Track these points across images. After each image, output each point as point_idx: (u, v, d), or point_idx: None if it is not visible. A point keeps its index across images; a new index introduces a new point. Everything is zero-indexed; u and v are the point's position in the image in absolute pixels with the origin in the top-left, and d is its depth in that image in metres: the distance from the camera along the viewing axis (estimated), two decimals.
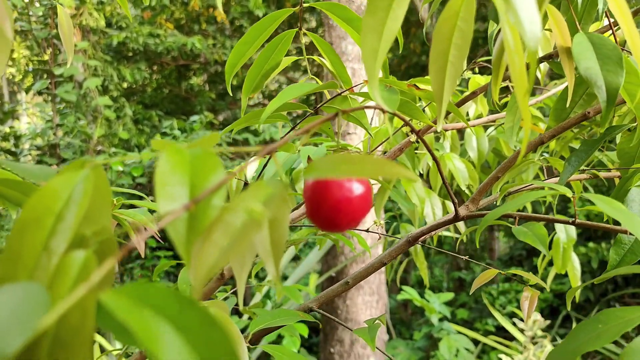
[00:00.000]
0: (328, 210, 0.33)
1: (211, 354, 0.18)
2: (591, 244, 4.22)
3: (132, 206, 0.78)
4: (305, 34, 0.60)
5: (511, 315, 4.32)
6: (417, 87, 0.60)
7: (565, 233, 1.13)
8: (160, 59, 5.52)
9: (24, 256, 0.24)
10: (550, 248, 1.49)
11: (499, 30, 0.73)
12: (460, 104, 0.89)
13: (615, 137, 0.93)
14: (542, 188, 0.62)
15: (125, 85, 5.50)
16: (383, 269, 3.01)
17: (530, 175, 1.25)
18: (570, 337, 0.44)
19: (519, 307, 4.43)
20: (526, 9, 0.31)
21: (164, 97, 5.95)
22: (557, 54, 0.71)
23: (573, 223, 0.54)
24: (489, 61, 1.14)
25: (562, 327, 4.25)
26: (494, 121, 1.17)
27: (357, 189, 0.33)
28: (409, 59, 5.82)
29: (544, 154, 1.22)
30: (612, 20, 0.66)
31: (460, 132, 1.31)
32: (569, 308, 0.57)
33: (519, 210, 1.09)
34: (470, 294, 0.72)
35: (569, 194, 0.51)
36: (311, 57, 0.63)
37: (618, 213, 0.45)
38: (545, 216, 0.55)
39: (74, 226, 0.25)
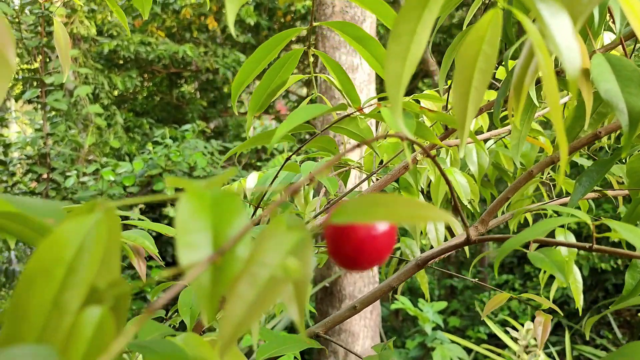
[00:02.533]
0: (351, 250, 0.31)
1: None
2: (582, 252, 4.23)
3: (125, 217, 0.75)
4: (314, 55, 0.58)
5: (502, 324, 4.32)
6: (421, 105, 0.59)
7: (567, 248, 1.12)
8: (152, 66, 5.49)
9: (32, 313, 0.22)
10: None
11: (514, 52, 0.71)
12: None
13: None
14: (558, 212, 0.61)
15: (116, 93, 5.46)
16: (377, 278, 2.99)
17: (530, 189, 1.24)
18: None
19: (510, 315, 4.42)
20: (564, 36, 0.29)
21: (155, 105, 5.91)
22: (562, 71, 0.70)
23: (590, 249, 0.52)
24: (493, 76, 1.13)
25: (554, 335, 4.25)
26: (495, 136, 1.16)
27: (382, 226, 0.31)
28: None
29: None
30: (621, 33, 0.65)
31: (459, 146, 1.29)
32: (587, 337, 0.55)
33: None
34: (482, 318, 0.70)
35: (588, 221, 0.49)
36: (320, 75, 0.61)
37: (638, 239, 0.44)
38: (561, 241, 0.53)
39: (87, 278, 0.22)
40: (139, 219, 0.65)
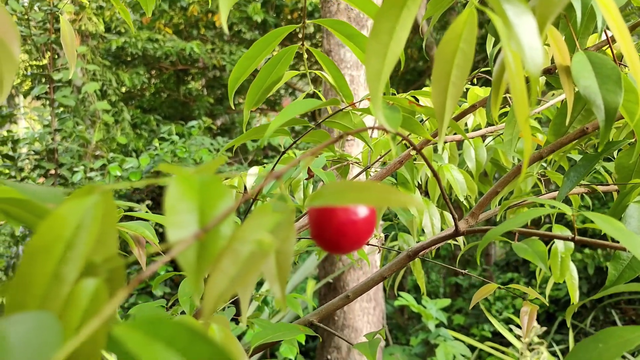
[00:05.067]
0: (332, 233, 0.33)
1: None
2: (587, 251, 4.23)
3: (131, 211, 0.78)
4: (307, 50, 0.60)
5: (507, 322, 4.33)
6: (417, 101, 0.61)
7: (563, 243, 1.13)
8: (159, 63, 5.53)
9: (34, 284, 0.24)
10: (548, 257, 1.49)
11: (499, 50, 0.73)
12: (459, 117, 0.90)
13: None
14: (542, 205, 0.63)
15: (123, 89, 5.50)
16: None
17: (529, 185, 1.25)
18: (570, 357, 0.45)
19: (515, 313, 4.43)
20: (528, 36, 0.31)
21: (163, 102, 5.95)
22: (554, 68, 0.71)
23: (573, 240, 0.54)
24: (487, 72, 1.15)
25: (559, 334, 4.25)
26: (492, 132, 1.18)
27: (362, 211, 0.33)
28: (406, 64, 5.83)
29: (543, 164, 1.23)
30: (610, 34, 0.67)
31: (459, 142, 1.31)
32: (569, 324, 0.57)
33: None
34: (470, 308, 0.72)
35: (569, 212, 0.51)
36: (313, 71, 0.64)
37: (617, 232, 0.46)
38: (545, 232, 0.55)
39: (84, 254, 0.25)
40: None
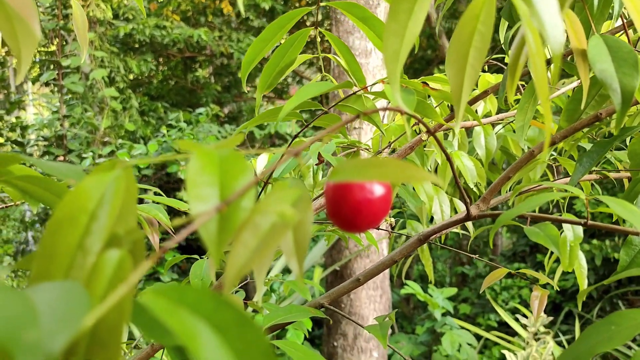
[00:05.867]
0: (349, 211, 0.33)
1: (247, 353, 0.19)
2: (595, 241, 4.22)
3: (141, 200, 0.79)
4: (321, 33, 0.60)
5: (513, 311, 4.33)
6: (428, 86, 0.61)
7: (573, 231, 1.13)
8: (167, 50, 5.52)
9: (59, 255, 0.25)
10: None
11: (514, 35, 0.73)
12: (471, 102, 0.90)
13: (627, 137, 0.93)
14: (553, 189, 0.63)
15: (131, 76, 5.51)
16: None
17: (538, 173, 1.25)
18: (582, 339, 0.45)
19: (521, 303, 4.44)
20: (549, 14, 0.31)
21: (170, 89, 5.96)
22: (567, 54, 0.71)
23: (585, 224, 0.54)
24: (498, 59, 1.14)
25: (565, 324, 4.26)
26: (502, 119, 1.17)
27: (378, 190, 0.34)
28: (415, 53, 5.80)
29: (553, 152, 1.23)
30: (625, 20, 0.66)
31: (468, 130, 1.31)
32: (579, 309, 0.57)
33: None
34: (480, 292, 0.73)
35: (582, 195, 0.51)
36: (326, 54, 0.64)
37: (630, 214, 0.46)
38: (557, 217, 0.55)
39: (108, 225, 0.25)
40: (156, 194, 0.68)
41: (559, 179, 0.84)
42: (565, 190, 0.51)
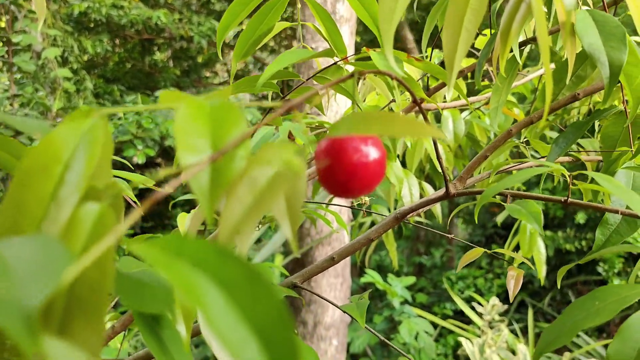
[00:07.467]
0: (343, 174, 0.31)
1: (259, 313, 0.16)
2: (548, 232, 4.34)
3: None
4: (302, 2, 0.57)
5: (468, 300, 4.42)
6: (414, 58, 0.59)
7: None
8: (124, 31, 5.35)
9: (30, 206, 0.22)
10: (516, 234, 1.52)
11: (500, 6, 0.72)
12: (442, 85, 0.89)
13: (594, 124, 0.94)
14: (535, 166, 0.62)
15: (86, 57, 5.32)
16: None
17: (502, 158, 1.26)
18: (565, 315, 0.44)
19: (476, 292, 4.53)
20: None
21: (127, 72, 5.78)
22: (557, 30, 0.71)
23: (565, 202, 0.54)
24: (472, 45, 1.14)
25: (517, 313, 4.37)
26: (469, 104, 1.17)
27: (374, 153, 0.32)
28: (396, 39, 5.81)
29: (516, 140, 1.24)
30: None
31: (437, 115, 1.31)
32: (559, 285, 0.57)
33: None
34: (457, 270, 0.72)
35: (565, 172, 0.51)
36: (306, 23, 0.61)
37: (617, 189, 0.45)
38: (538, 195, 0.54)
39: (85, 176, 0.22)
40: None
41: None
42: (547, 166, 0.50)
